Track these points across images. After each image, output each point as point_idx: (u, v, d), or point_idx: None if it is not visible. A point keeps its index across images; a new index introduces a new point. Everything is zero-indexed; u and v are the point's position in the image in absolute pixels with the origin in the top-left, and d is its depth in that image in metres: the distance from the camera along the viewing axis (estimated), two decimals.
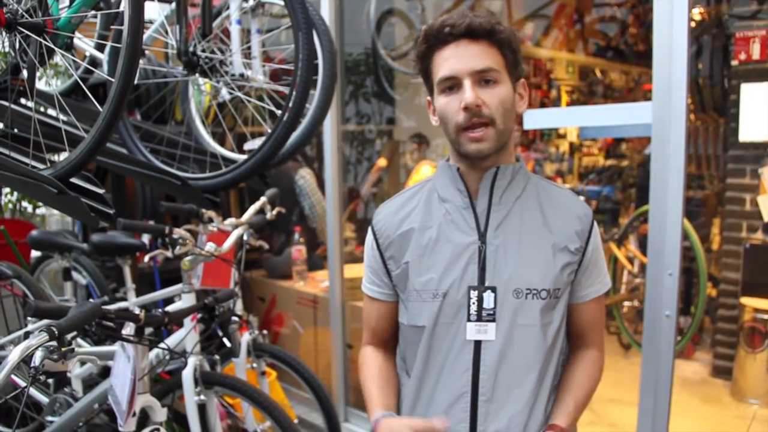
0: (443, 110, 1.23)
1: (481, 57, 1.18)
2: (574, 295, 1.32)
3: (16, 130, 1.98)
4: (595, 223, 1.32)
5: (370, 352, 1.43)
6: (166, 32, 2.33)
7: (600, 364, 1.36)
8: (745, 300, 3.41)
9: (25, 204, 3.98)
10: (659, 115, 1.89)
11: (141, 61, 2.04)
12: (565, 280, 1.27)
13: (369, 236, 1.37)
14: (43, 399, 2.33)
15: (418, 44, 1.26)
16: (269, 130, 2.12)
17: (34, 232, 2.97)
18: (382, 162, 5.14)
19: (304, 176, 3.97)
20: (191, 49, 2.17)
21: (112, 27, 2.25)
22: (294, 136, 2.25)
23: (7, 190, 3.75)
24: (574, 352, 1.37)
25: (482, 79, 1.19)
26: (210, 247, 2.22)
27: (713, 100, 4.14)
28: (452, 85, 1.20)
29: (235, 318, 2.36)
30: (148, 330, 1.92)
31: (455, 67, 1.19)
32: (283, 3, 2.11)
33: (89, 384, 2.43)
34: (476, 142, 1.20)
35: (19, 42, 1.77)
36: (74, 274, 2.96)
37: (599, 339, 1.39)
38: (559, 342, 1.29)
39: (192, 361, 2.10)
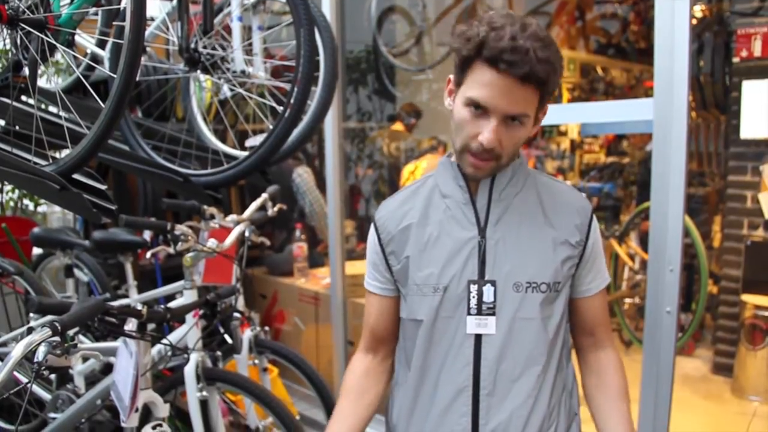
0: (461, 121, 1.19)
1: (521, 103, 1.14)
2: (577, 289, 1.33)
3: (18, 127, 1.98)
4: (594, 217, 1.32)
5: (356, 360, 1.44)
6: (168, 29, 2.33)
7: (622, 365, 1.38)
8: (746, 297, 3.42)
9: (26, 201, 3.98)
10: (661, 112, 1.89)
11: (142, 58, 2.04)
12: (566, 274, 1.27)
13: (371, 232, 1.38)
14: (46, 396, 2.33)
15: (465, 44, 1.14)
16: (271, 127, 2.12)
17: (36, 230, 2.97)
18: None
19: (301, 174, 3.94)
20: (192, 45, 2.17)
21: (113, 24, 2.25)
22: (295, 132, 2.26)
23: (8, 187, 3.75)
24: (592, 355, 1.38)
25: (510, 118, 1.16)
26: (212, 243, 2.22)
27: (714, 97, 4.13)
28: (479, 106, 1.16)
29: (236, 314, 2.36)
30: (151, 326, 1.93)
31: (491, 102, 1.13)
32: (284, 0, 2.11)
33: (92, 380, 2.44)
34: (475, 168, 1.21)
35: (21, 39, 1.77)
36: (76, 272, 2.97)
37: (610, 334, 1.41)
38: (561, 336, 1.29)
39: (194, 358, 2.11)
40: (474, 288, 1.23)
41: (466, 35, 1.15)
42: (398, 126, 4.98)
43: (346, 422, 1.37)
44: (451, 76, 1.25)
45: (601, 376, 1.36)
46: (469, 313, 1.24)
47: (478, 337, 1.23)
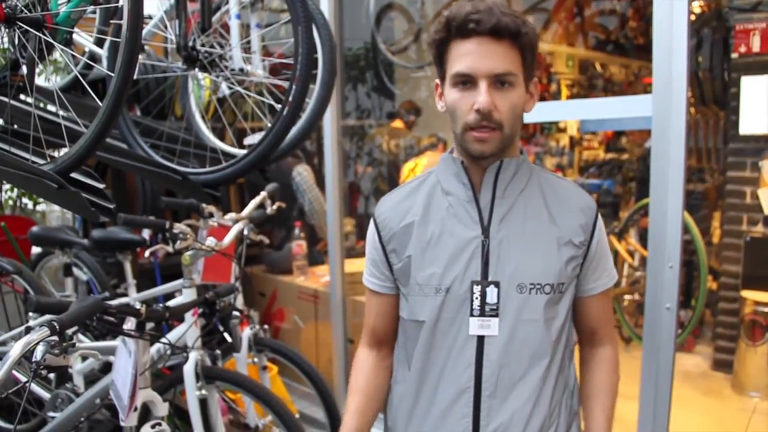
0: (454, 105, 1.20)
1: (502, 59, 1.15)
2: (581, 288, 1.32)
3: (16, 126, 1.98)
4: (600, 216, 1.31)
5: (363, 357, 1.44)
6: (166, 27, 2.33)
7: (617, 362, 1.38)
8: (746, 293, 3.42)
9: (25, 200, 3.98)
10: (659, 108, 1.89)
11: (140, 56, 2.04)
12: (570, 275, 1.26)
13: (371, 228, 1.36)
14: (45, 395, 2.33)
15: (435, 29, 1.21)
16: (269, 125, 2.11)
17: (34, 228, 2.97)
18: None
19: (301, 173, 3.93)
20: (191, 43, 2.17)
21: (111, 22, 2.24)
22: (294, 130, 2.25)
23: (7, 186, 3.75)
24: (588, 350, 1.39)
25: (499, 81, 1.16)
26: (210, 241, 2.22)
27: (713, 93, 4.13)
28: (467, 80, 1.17)
29: (235, 313, 2.36)
30: (149, 325, 1.92)
31: (474, 66, 1.15)
32: None
33: (91, 379, 2.43)
34: (481, 142, 1.19)
35: (18, 37, 1.76)
36: (75, 270, 2.96)
37: (612, 332, 1.40)
38: (564, 336, 1.29)
39: (193, 356, 2.10)
40: (477, 289, 1.22)
41: (433, 27, 1.22)
42: (397, 123, 4.98)
43: (360, 419, 1.38)
44: (437, 80, 1.27)
45: (591, 371, 1.37)
46: (471, 315, 1.23)
47: (481, 339, 1.23)
